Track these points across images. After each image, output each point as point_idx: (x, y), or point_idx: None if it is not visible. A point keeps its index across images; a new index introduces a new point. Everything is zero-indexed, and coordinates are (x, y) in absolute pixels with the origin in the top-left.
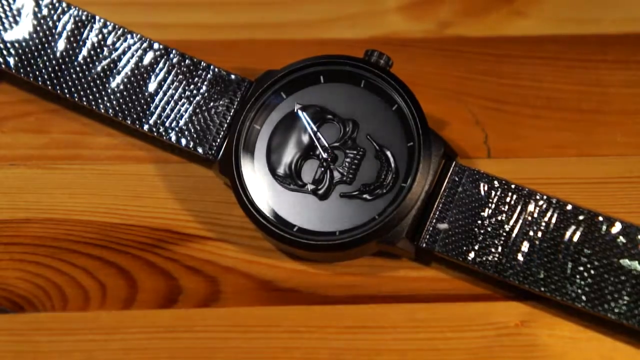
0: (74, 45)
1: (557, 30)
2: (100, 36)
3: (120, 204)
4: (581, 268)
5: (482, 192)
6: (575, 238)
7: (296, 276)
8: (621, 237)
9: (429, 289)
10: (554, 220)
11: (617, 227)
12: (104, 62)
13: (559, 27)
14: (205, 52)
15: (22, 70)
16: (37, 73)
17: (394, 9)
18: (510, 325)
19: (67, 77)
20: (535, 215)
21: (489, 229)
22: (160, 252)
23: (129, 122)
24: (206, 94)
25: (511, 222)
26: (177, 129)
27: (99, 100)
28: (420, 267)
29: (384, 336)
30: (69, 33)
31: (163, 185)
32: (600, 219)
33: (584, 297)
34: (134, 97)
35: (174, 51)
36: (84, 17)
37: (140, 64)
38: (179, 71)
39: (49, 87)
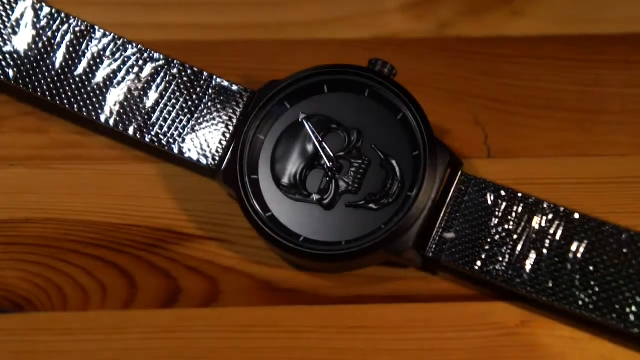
0: (74, 56)
1: (557, 30)
2: (99, 47)
3: (120, 204)
4: (589, 277)
5: (489, 201)
6: (583, 247)
7: (296, 276)
8: (629, 246)
9: (429, 289)
10: (561, 229)
11: (624, 236)
12: (104, 73)
13: (559, 27)
14: (205, 52)
15: (21, 82)
16: (37, 84)
17: (394, 9)
18: (510, 325)
19: (67, 89)
20: (542, 224)
21: (496, 238)
22: (160, 252)
23: (130, 134)
24: (208, 105)
25: (518, 232)
26: (179, 140)
27: (100, 112)
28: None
29: (384, 336)
30: (68, 44)
31: (163, 185)
32: (608, 227)
33: (591, 306)
34: (134, 108)
35: (175, 62)
36: (83, 28)
37: (141, 75)
38: (180, 82)
39: (49, 99)
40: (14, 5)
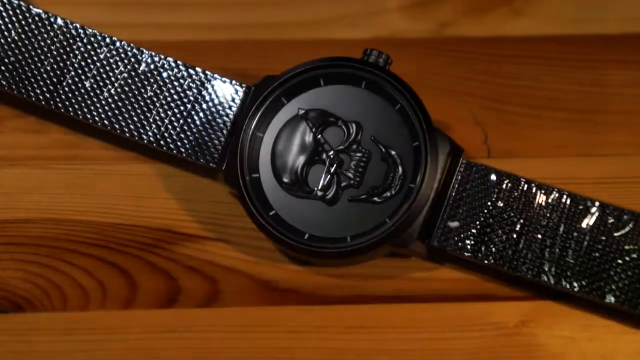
0: (64, 58)
1: (557, 30)
2: (90, 47)
3: (120, 204)
4: (595, 261)
5: (492, 188)
6: (587, 230)
7: (296, 276)
8: (631, 227)
9: (429, 289)
10: (565, 213)
11: (627, 217)
12: (98, 75)
13: (559, 27)
14: (205, 52)
15: (14, 87)
16: (30, 89)
17: (394, 9)
18: (510, 325)
19: (61, 92)
20: (546, 208)
21: (501, 225)
22: (160, 252)
23: (127, 135)
24: (204, 103)
25: (522, 217)
26: (177, 139)
27: (95, 114)
28: (420, 268)
29: (384, 336)
30: (59, 46)
31: (163, 185)
32: (611, 210)
33: (592, 290)
34: (130, 109)
35: (168, 59)
36: (72, 30)
37: (134, 75)
38: (175, 81)
39: (43, 103)
40: (1, 9)
